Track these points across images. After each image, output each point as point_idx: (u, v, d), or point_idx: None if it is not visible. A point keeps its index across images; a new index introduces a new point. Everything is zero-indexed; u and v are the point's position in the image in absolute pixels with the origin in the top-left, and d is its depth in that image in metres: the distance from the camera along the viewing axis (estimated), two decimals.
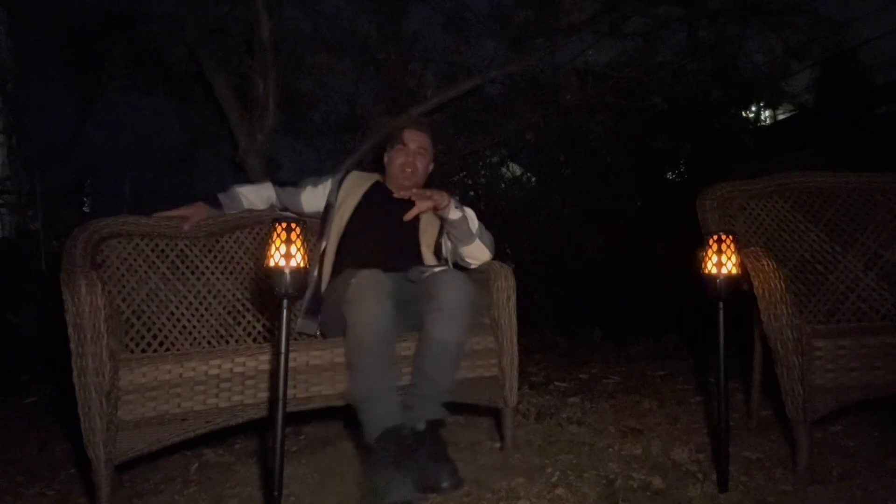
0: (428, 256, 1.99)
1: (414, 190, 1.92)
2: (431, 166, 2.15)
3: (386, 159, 2.14)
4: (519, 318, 1.80)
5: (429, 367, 1.66)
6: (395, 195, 1.97)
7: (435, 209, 1.89)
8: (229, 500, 1.61)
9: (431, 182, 2.21)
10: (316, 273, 1.93)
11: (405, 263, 1.95)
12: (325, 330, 1.90)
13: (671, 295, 3.62)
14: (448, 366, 1.69)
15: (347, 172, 2.13)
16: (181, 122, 4.60)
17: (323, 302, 1.90)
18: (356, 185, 2.08)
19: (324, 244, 1.98)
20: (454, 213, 1.88)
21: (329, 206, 2.04)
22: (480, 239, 1.94)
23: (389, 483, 1.47)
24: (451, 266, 2.01)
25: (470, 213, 1.94)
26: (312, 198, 2.08)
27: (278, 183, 2.15)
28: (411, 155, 2.06)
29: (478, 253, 1.95)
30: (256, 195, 2.08)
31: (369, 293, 1.59)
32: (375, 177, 2.15)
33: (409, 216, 1.87)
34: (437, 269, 1.91)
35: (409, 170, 2.05)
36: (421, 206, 1.85)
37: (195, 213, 1.97)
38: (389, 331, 1.60)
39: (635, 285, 4.16)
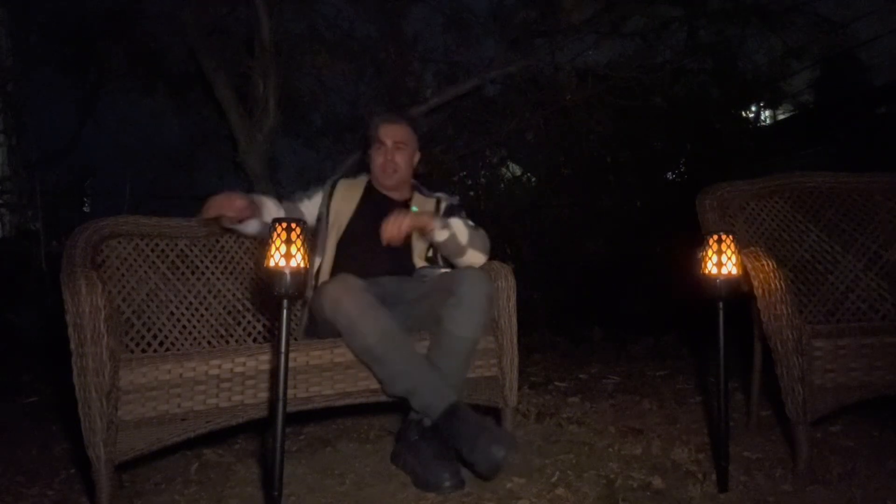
0: (420, 265, 1.96)
1: (390, 224, 1.73)
2: (417, 156, 2.08)
3: (369, 160, 2.07)
4: (519, 318, 1.79)
5: (441, 361, 1.65)
6: (384, 236, 1.74)
7: (421, 232, 1.82)
8: (229, 500, 1.61)
9: (426, 179, 2.18)
10: (311, 293, 1.85)
11: (398, 268, 1.92)
12: (322, 336, 1.88)
13: (671, 295, 3.61)
14: (461, 361, 1.68)
15: (335, 183, 2.05)
16: (181, 122, 4.60)
17: (311, 316, 1.84)
18: (347, 197, 2.01)
19: (318, 261, 1.92)
20: (440, 235, 1.81)
21: (320, 220, 1.98)
22: (473, 248, 1.86)
23: (443, 470, 1.55)
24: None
25: (456, 225, 1.84)
26: (309, 210, 2.02)
27: (275, 196, 2.07)
28: (390, 152, 1.98)
29: (472, 260, 1.88)
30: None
31: (351, 304, 1.56)
32: (364, 180, 2.08)
33: (391, 241, 1.73)
34: (442, 270, 1.90)
35: (391, 169, 1.98)
36: (399, 235, 1.73)
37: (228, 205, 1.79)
38: (389, 323, 1.59)
39: (635, 285, 4.16)
